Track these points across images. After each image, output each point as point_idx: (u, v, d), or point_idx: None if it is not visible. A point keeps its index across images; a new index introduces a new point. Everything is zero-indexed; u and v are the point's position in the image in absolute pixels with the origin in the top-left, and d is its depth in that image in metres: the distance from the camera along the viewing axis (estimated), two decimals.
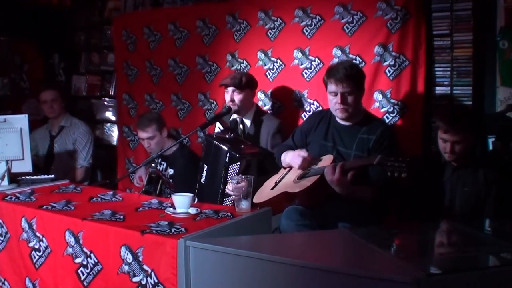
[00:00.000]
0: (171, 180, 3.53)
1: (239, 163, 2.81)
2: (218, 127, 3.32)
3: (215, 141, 3.00)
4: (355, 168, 2.49)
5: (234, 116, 3.34)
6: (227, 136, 3.06)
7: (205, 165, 3.08)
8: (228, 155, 2.85)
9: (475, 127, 2.64)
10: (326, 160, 2.66)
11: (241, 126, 3.30)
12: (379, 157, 2.36)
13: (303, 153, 2.74)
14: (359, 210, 2.61)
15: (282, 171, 2.90)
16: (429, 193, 2.68)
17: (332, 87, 2.69)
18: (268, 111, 3.58)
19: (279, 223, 2.72)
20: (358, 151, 2.67)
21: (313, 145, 2.86)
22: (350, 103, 2.67)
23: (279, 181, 2.80)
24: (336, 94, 2.68)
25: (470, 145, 2.59)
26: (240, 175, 2.64)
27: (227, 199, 2.88)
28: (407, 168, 2.26)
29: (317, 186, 2.56)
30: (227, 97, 3.29)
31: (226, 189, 2.86)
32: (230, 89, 3.26)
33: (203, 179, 3.09)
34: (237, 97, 3.24)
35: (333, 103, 2.71)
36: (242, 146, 2.90)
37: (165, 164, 3.59)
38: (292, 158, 2.78)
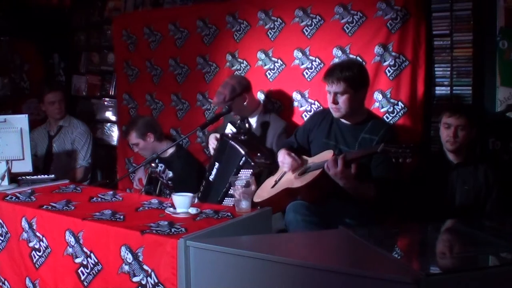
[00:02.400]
0: (169, 183, 3.53)
1: (252, 170, 2.80)
2: (230, 128, 3.32)
3: (230, 141, 3.01)
4: (358, 158, 2.49)
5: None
6: (241, 137, 3.06)
7: (216, 163, 3.09)
8: (243, 159, 2.87)
9: (477, 118, 2.66)
10: (326, 155, 2.66)
11: (247, 125, 3.31)
12: (382, 145, 2.37)
13: (293, 162, 2.72)
14: (363, 208, 2.61)
15: (281, 170, 2.90)
16: (429, 191, 2.68)
17: (327, 86, 2.72)
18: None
19: (281, 224, 2.71)
20: None
21: (315, 143, 2.87)
22: (342, 103, 2.68)
23: (279, 179, 2.80)
24: (330, 93, 2.71)
25: (471, 136, 2.60)
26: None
27: (229, 199, 2.88)
28: (412, 153, 2.27)
29: (319, 180, 2.56)
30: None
31: (235, 194, 2.85)
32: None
33: (211, 177, 3.09)
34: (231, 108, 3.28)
35: (329, 102, 2.74)
36: (258, 154, 2.91)
37: (163, 166, 3.59)
38: (286, 161, 2.76)
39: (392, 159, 2.33)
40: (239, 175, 2.87)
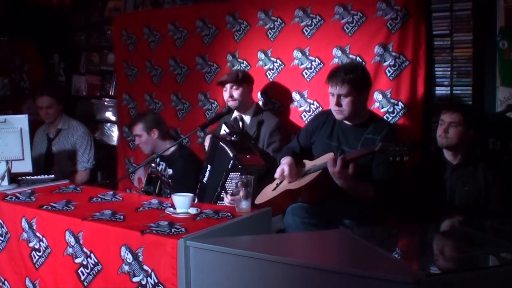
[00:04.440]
0: (170, 181, 3.53)
1: (239, 173, 2.78)
2: (223, 129, 3.31)
3: (220, 142, 2.98)
4: (357, 158, 2.51)
5: (235, 114, 3.34)
6: (232, 138, 3.04)
7: (209, 165, 3.07)
8: (231, 162, 2.82)
9: (474, 117, 2.66)
10: (327, 157, 2.66)
11: (240, 123, 3.30)
12: (380, 144, 2.40)
13: (285, 168, 2.71)
14: (363, 208, 2.62)
15: None
16: (429, 191, 2.69)
17: (330, 88, 2.72)
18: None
19: (281, 225, 2.71)
20: None
21: (318, 144, 2.87)
22: (345, 106, 2.69)
23: (281, 182, 2.81)
24: (333, 95, 2.71)
25: (467, 137, 2.60)
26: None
27: (221, 203, 2.87)
28: (409, 151, 2.31)
29: (318, 181, 2.56)
30: (226, 95, 3.32)
31: (225, 200, 2.84)
32: (228, 85, 3.29)
33: (205, 179, 3.08)
34: (236, 93, 3.27)
35: (331, 104, 2.75)
36: (248, 156, 2.85)
37: (164, 164, 3.59)
38: (277, 171, 2.75)
39: (390, 158, 2.34)
40: (229, 178, 2.81)
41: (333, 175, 2.49)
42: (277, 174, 2.75)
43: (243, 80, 3.28)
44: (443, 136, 2.63)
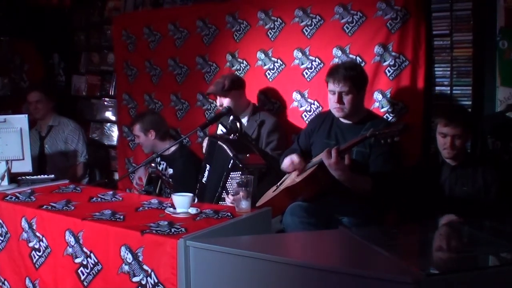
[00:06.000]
0: (170, 180, 3.53)
1: (240, 173, 2.77)
2: (220, 129, 3.31)
3: (219, 142, 2.98)
4: (351, 146, 2.54)
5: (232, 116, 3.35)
6: (230, 137, 3.03)
7: (207, 165, 3.07)
8: (231, 162, 2.81)
9: (473, 124, 2.66)
10: (323, 154, 2.67)
11: (238, 123, 3.29)
12: (372, 129, 2.45)
13: (294, 157, 2.75)
14: (361, 206, 2.63)
15: (284, 177, 2.89)
16: (428, 192, 2.68)
17: (330, 86, 2.74)
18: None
19: (279, 226, 2.71)
20: (360, 148, 2.69)
21: (316, 144, 2.88)
22: (347, 103, 2.71)
23: (281, 184, 2.81)
24: (334, 93, 2.72)
25: (467, 142, 2.60)
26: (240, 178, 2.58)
27: (223, 203, 2.86)
28: (399, 131, 2.35)
29: (316, 176, 2.57)
30: (217, 103, 3.36)
31: (226, 200, 2.83)
32: (217, 95, 3.32)
33: (204, 179, 3.07)
34: (225, 101, 3.29)
35: (331, 102, 2.76)
36: (247, 155, 2.83)
37: (164, 164, 3.60)
38: (284, 162, 2.80)
39: (382, 141, 2.37)
40: (229, 178, 2.80)
41: (330, 167, 2.51)
42: (285, 165, 2.76)
43: (231, 88, 3.27)
44: (450, 151, 2.60)
